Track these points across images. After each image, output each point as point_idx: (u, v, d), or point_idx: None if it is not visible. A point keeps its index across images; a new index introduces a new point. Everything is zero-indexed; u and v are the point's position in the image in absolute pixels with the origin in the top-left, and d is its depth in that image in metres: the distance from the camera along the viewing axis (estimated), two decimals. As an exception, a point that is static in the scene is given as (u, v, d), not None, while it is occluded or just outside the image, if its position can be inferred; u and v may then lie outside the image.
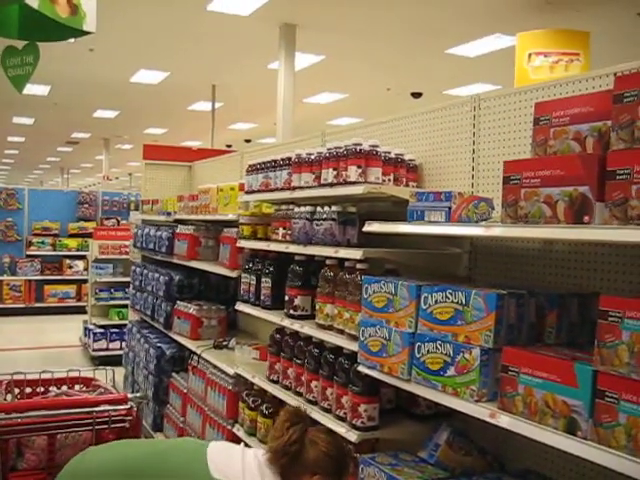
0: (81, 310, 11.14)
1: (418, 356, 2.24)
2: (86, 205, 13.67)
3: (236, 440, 3.84)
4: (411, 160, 3.08)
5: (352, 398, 2.74)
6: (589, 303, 2.12)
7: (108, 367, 3.96)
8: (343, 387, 2.82)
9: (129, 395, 3.26)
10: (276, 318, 3.46)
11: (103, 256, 9.74)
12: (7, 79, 4.70)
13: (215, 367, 4.32)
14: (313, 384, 3.10)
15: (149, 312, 5.74)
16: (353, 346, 2.69)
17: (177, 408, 5.03)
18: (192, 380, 4.74)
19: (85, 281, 11.42)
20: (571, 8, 8.44)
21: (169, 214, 5.69)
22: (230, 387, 4.05)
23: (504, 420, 1.90)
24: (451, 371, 2.10)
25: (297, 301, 3.29)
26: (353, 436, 2.68)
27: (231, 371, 4.03)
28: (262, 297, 3.69)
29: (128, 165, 29.43)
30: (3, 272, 12.55)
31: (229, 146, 18.28)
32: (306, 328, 3.15)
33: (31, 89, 13.05)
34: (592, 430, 1.65)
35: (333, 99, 15.06)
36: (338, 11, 9.08)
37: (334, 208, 2.98)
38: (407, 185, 3.00)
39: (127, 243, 8.99)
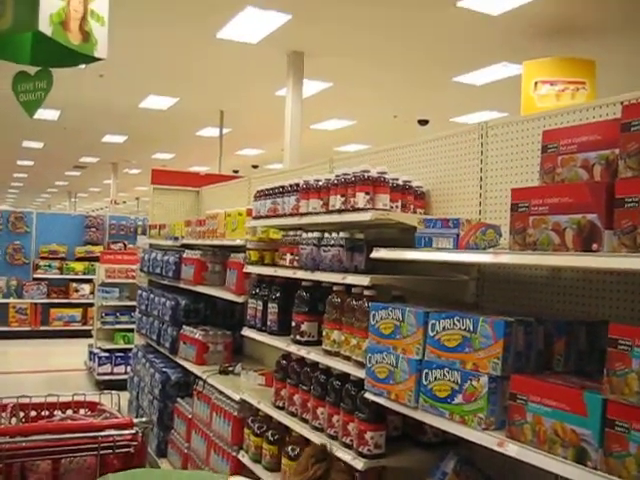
0: (87, 334, 11.13)
1: (425, 383, 2.23)
2: (93, 229, 13.71)
3: (241, 467, 3.82)
4: (419, 187, 3.09)
5: (359, 425, 2.72)
6: (597, 331, 2.11)
7: (113, 391, 3.94)
8: (349, 414, 2.80)
9: (135, 420, 3.24)
10: (282, 344, 3.45)
11: (109, 280, 9.74)
12: (17, 103, 4.76)
13: (220, 392, 4.30)
14: (319, 411, 3.08)
15: (155, 336, 5.73)
16: (360, 373, 2.68)
17: (182, 434, 5.00)
18: (197, 405, 4.71)
19: (91, 305, 11.42)
20: (577, 37, 8.50)
21: (176, 239, 5.71)
22: (235, 413, 4.03)
23: (512, 449, 1.88)
24: (459, 399, 2.09)
25: (304, 327, 3.28)
26: (359, 464, 2.66)
27: (237, 397, 4.01)
28: (269, 323, 3.69)
29: (135, 189, 29.57)
30: (10, 295, 12.56)
31: (236, 172, 18.39)
32: (313, 354, 3.14)
33: (41, 114, 13.18)
34: (602, 460, 1.63)
35: (340, 126, 15.14)
36: (345, 39, 9.17)
37: (342, 234, 2.99)
38: (415, 212, 3.01)
39: (134, 267, 9.00)
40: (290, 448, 3.32)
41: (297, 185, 3.40)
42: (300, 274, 3.27)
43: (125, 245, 13.26)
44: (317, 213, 3.15)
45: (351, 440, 2.79)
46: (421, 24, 8.44)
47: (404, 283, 2.85)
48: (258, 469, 3.59)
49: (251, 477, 2.47)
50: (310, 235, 3.23)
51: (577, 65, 8.09)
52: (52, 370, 9.72)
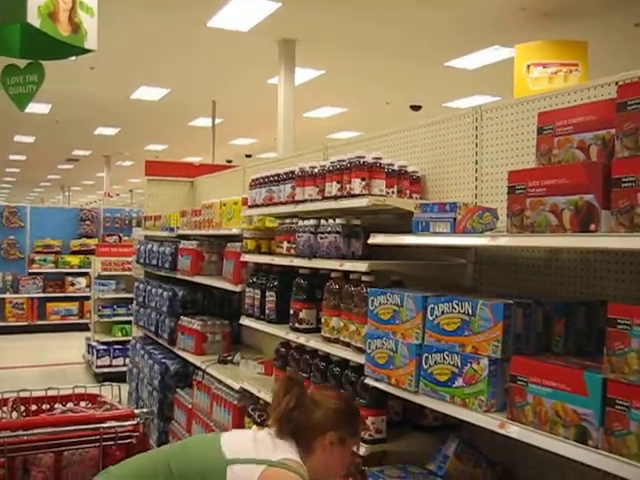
0: (84, 327, 11.12)
1: (425, 367, 2.24)
2: (88, 222, 13.68)
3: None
4: (414, 172, 3.09)
5: (359, 411, 2.73)
6: (596, 311, 2.12)
7: (114, 383, 3.95)
8: (350, 400, 2.81)
9: (136, 411, 3.25)
10: (281, 332, 3.45)
11: (105, 272, 9.73)
12: (8, 97, 4.73)
13: (220, 382, 4.31)
14: (320, 397, 3.09)
15: (153, 328, 5.73)
16: (359, 359, 2.69)
17: (182, 424, 5.01)
18: (197, 395, 4.72)
19: (88, 298, 11.41)
20: (569, 19, 8.48)
21: (172, 229, 5.70)
22: (235, 402, 4.04)
23: (514, 430, 1.89)
24: (459, 382, 2.09)
25: (302, 314, 3.29)
26: (361, 449, 2.67)
27: (236, 386, 4.02)
28: (267, 311, 3.69)
29: (129, 182, 29.50)
30: (5, 290, 12.53)
31: (229, 161, 18.35)
32: (312, 341, 3.15)
33: (32, 107, 13.07)
34: (603, 439, 1.64)
35: (333, 113, 15.11)
36: (337, 26, 9.13)
37: (338, 221, 2.99)
38: (411, 197, 3.01)
39: (129, 259, 8.99)
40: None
41: (292, 173, 3.39)
42: (297, 262, 3.27)
43: (120, 237, 13.23)
44: (313, 200, 3.15)
45: (352, 426, 2.79)
46: (412, 9, 8.41)
47: (402, 268, 2.85)
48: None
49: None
50: (307, 222, 3.22)
51: (569, 47, 8.08)
52: (50, 364, 9.72)
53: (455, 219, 2.26)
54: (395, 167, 2.96)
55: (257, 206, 3.80)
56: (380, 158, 2.88)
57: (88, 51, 4.47)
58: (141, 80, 12.30)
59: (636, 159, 1.66)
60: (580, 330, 2.16)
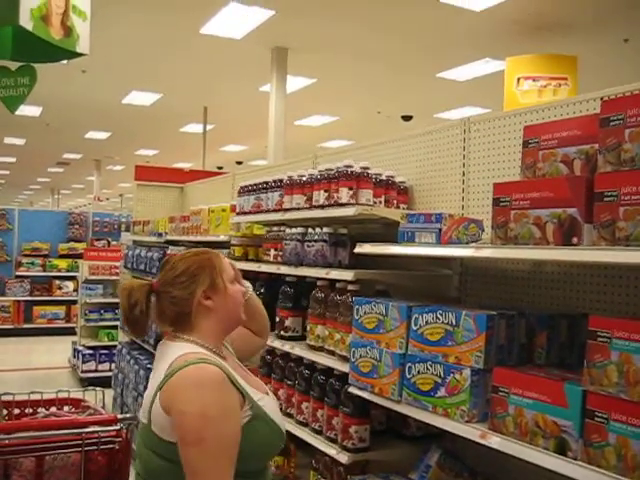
0: (70, 331, 11.06)
1: (409, 377, 2.25)
2: (76, 226, 13.63)
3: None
4: (402, 182, 3.10)
5: (343, 419, 2.74)
6: (578, 324, 2.14)
7: (98, 388, 3.92)
8: (334, 408, 2.81)
9: (119, 416, 3.23)
10: (267, 339, 3.45)
11: (93, 277, 9.69)
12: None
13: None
14: (304, 405, 3.10)
15: (139, 333, 5.70)
16: (344, 367, 2.70)
17: (166, 430, 4.99)
18: (182, 402, 4.70)
19: (75, 302, 11.35)
20: (560, 34, 8.56)
21: (160, 235, 5.69)
22: (220, 409, 4.02)
23: (495, 441, 1.90)
24: (442, 392, 2.10)
25: (288, 322, 3.29)
26: (344, 457, 2.67)
27: (221, 392, 4.00)
28: (253, 318, 3.69)
29: (119, 186, 29.42)
30: (-8, 293, 12.48)
31: (220, 168, 18.36)
32: (297, 349, 3.15)
33: (23, 110, 13.00)
34: (582, 450, 1.66)
35: (324, 122, 15.15)
36: (329, 35, 9.17)
37: (325, 229, 3.00)
38: (398, 207, 3.02)
39: (117, 264, 8.96)
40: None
41: (281, 181, 3.40)
42: (284, 269, 3.28)
43: (109, 242, 13.20)
44: (301, 208, 3.16)
45: (335, 434, 2.80)
46: (405, 20, 8.46)
47: (388, 278, 2.87)
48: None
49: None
50: (294, 230, 3.23)
51: (559, 61, 8.16)
52: (35, 368, 9.66)
53: (441, 230, 2.27)
54: (383, 177, 2.98)
55: (245, 213, 3.80)
56: (368, 168, 2.89)
57: (80, 55, 4.47)
58: (133, 85, 12.29)
59: (618, 174, 1.69)
60: (562, 342, 2.18)
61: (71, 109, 14.14)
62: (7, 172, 25.87)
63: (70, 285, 12.79)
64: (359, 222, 3.10)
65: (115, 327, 8.41)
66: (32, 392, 3.76)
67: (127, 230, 9.87)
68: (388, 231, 2.78)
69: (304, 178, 3.18)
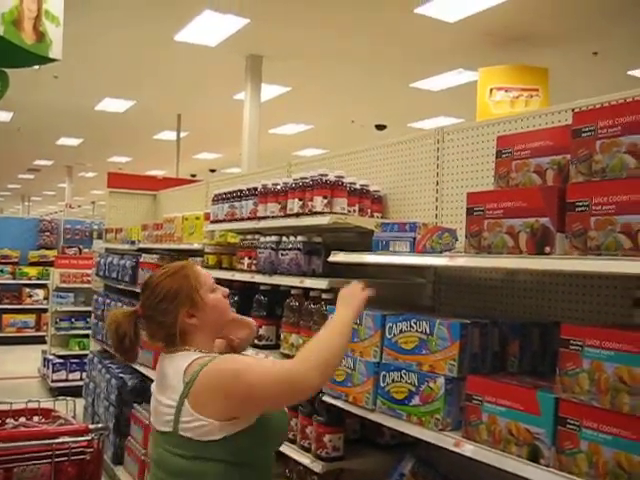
0: (40, 340, 10.89)
1: (383, 385, 2.25)
2: (47, 233, 13.44)
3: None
4: (376, 191, 3.12)
5: (317, 428, 2.73)
6: (550, 332, 2.16)
7: (69, 398, 3.87)
8: (308, 417, 2.81)
9: (90, 426, 3.19)
10: (241, 348, 3.43)
11: (64, 285, 9.56)
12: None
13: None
14: (278, 414, 3.08)
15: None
16: (318, 376, 2.68)
17: (138, 440, 4.93)
18: (154, 411, 4.66)
19: (45, 310, 11.18)
20: (531, 45, 8.69)
21: (133, 243, 5.64)
22: (193, 418, 3.99)
23: (468, 449, 1.91)
24: (416, 400, 2.11)
25: (262, 331, 3.28)
26: (318, 466, 2.66)
27: (194, 402, 3.97)
28: (227, 327, 3.67)
29: (91, 193, 29.15)
30: (-40, 301, 12.24)
31: (194, 175, 18.27)
32: (271, 358, 3.14)
33: (-7, 115, 12.94)
34: (555, 457, 1.67)
35: (298, 130, 15.18)
36: (304, 44, 9.21)
37: (300, 238, 3.00)
38: (372, 216, 3.03)
39: (89, 272, 8.86)
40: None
41: (255, 189, 3.39)
42: (258, 278, 3.27)
43: (80, 249, 13.03)
44: (275, 217, 3.16)
45: (309, 443, 2.79)
46: (379, 30, 8.53)
47: (362, 286, 2.86)
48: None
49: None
50: (268, 239, 3.23)
51: (530, 72, 8.29)
52: (4, 378, 9.49)
53: (415, 239, 2.28)
54: (357, 186, 2.99)
55: (219, 221, 3.79)
56: (342, 177, 2.90)
57: (53, 60, 4.42)
58: (106, 91, 12.21)
59: (589, 184, 1.71)
60: (535, 350, 2.20)
61: (43, 115, 13.99)
62: (-24, 178, 25.52)
63: (40, 293, 12.59)
64: (333, 231, 3.11)
65: (86, 336, 8.30)
66: (0, 402, 3.70)
67: (99, 238, 9.75)
68: (362, 240, 2.78)
69: (278, 187, 3.18)
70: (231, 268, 3.75)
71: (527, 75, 8.26)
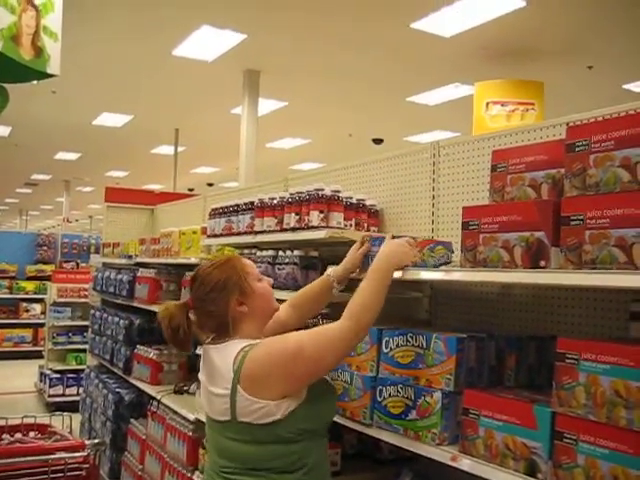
0: (37, 355, 10.87)
1: (380, 400, 2.24)
2: (45, 247, 13.44)
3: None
4: (372, 205, 3.13)
5: (314, 443, 2.72)
6: (546, 346, 2.16)
7: (65, 413, 3.86)
8: (305, 432, 2.79)
9: (87, 442, 3.18)
10: (238, 362, 3.42)
11: (62, 299, 9.55)
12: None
13: (175, 412, 4.25)
14: (275, 429, 3.07)
15: (108, 357, 5.64)
16: (315, 390, 2.68)
17: (135, 455, 4.91)
18: (151, 426, 4.64)
19: (42, 325, 11.16)
20: (527, 60, 8.74)
21: (130, 257, 5.64)
22: (190, 433, 3.98)
23: (465, 463, 1.90)
24: (413, 415, 2.11)
25: (259, 344, 3.27)
26: (315, 482, 2.65)
27: (191, 417, 3.96)
28: (224, 341, 3.66)
29: (89, 207, 29.15)
30: (-43, 316, 12.21)
31: (191, 190, 18.31)
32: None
33: (-9, 130, 12.97)
34: (552, 472, 1.67)
35: (295, 144, 15.22)
36: (301, 58, 9.25)
37: (296, 252, 3.00)
38: (368, 230, 3.04)
39: (86, 286, 8.85)
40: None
41: (252, 203, 3.40)
42: (255, 292, 3.26)
43: (78, 264, 13.02)
44: (271, 231, 3.16)
45: (307, 458, 2.77)
46: (376, 45, 8.58)
47: (359, 300, 2.86)
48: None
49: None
50: (265, 253, 3.23)
51: (526, 86, 8.33)
52: (0, 393, 9.46)
53: None
54: (353, 200, 3.00)
55: (216, 236, 3.79)
56: (339, 191, 2.91)
57: (51, 76, 4.44)
58: (104, 106, 12.24)
59: (583, 198, 1.72)
60: (531, 364, 2.20)
61: (41, 129, 14.02)
62: (-26, 193, 25.52)
63: (38, 308, 12.57)
64: (330, 245, 3.11)
65: (83, 350, 8.28)
66: (-4, 418, 3.69)
67: (97, 252, 9.74)
68: (359, 254, 2.78)
69: (275, 201, 3.19)
70: (228, 282, 3.75)
71: (523, 89, 8.30)
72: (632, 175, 1.65)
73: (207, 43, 8.66)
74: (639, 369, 1.52)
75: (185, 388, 4.56)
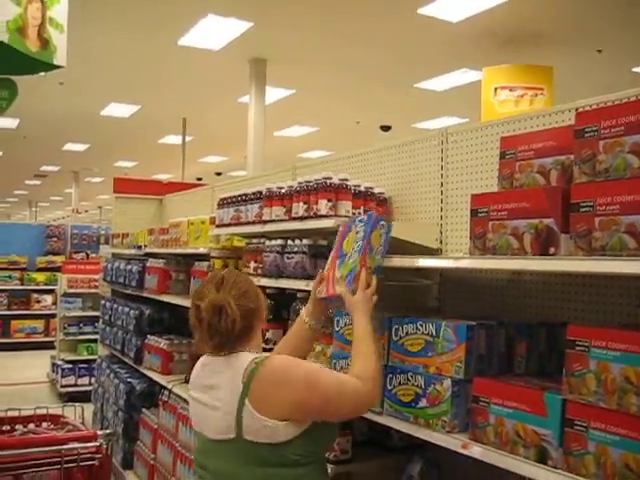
0: (49, 345, 10.94)
1: (390, 388, 2.25)
2: (55, 238, 13.49)
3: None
4: (380, 193, 3.11)
5: (325, 431, 2.72)
6: (557, 333, 2.15)
7: (77, 403, 3.88)
8: (315, 420, 2.80)
9: (99, 432, 3.20)
10: (248, 351, 3.44)
11: (72, 290, 9.60)
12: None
13: (186, 402, 4.27)
14: (285, 418, 3.08)
15: (119, 347, 5.67)
16: (325, 379, 2.68)
17: (147, 445, 4.95)
18: (163, 416, 4.67)
19: (53, 316, 11.23)
20: (536, 44, 8.67)
21: (139, 247, 5.66)
22: (201, 422, 4.00)
23: (476, 451, 1.90)
24: (423, 403, 2.11)
25: (269, 334, 3.28)
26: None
27: (202, 406, 3.97)
28: (234, 330, 3.67)
29: (98, 198, 29.24)
30: (-31, 308, 12.29)
31: (200, 179, 18.27)
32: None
33: (-1, 122, 13.00)
34: (562, 459, 1.67)
35: (304, 132, 15.19)
36: (308, 46, 9.21)
37: (305, 241, 3.00)
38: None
39: (96, 277, 8.89)
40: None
41: (260, 193, 3.39)
42: (264, 281, 3.27)
43: (87, 255, 13.07)
44: (280, 220, 3.16)
45: (318, 446, 2.79)
46: (383, 31, 8.52)
47: (368, 289, 2.86)
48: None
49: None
50: (273, 242, 3.23)
51: (535, 71, 8.27)
52: (13, 383, 9.53)
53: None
54: (362, 188, 2.98)
55: (225, 225, 3.79)
56: (347, 179, 2.90)
57: (57, 67, 4.45)
58: (111, 97, 12.25)
59: (593, 185, 1.71)
60: (541, 351, 2.19)
61: (49, 121, 14.05)
62: (-17, 185, 25.63)
63: (48, 299, 12.64)
64: (339, 233, 3.10)
65: (95, 341, 8.33)
66: (9, 409, 3.72)
67: (106, 242, 9.77)
68: (368, 242, 2.78)
69: (283, 190, 3.18)
70: (237, 272, 3.75)
71: (531, 74, 8.24)
72: (642, 160, 1.63)
73: (213, 32, 8.64)
74: (650, 356, 1.51)
75: (196, 377, 4.57)
